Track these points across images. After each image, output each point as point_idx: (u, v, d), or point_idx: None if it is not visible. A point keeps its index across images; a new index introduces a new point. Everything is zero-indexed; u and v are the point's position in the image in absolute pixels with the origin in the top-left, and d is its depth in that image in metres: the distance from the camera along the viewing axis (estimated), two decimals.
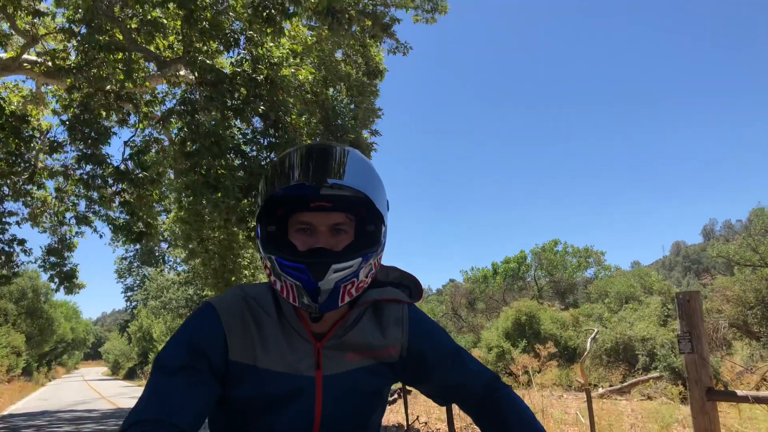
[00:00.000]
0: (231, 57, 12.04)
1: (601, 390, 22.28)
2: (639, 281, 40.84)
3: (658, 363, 24.98)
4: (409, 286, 1.66)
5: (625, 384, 21.76)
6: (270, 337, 1.45)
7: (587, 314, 36.73)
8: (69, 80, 10.90)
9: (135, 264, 55.69)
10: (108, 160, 12.24)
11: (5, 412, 19.64)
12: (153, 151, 13.85)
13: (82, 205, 15.79)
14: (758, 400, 8.50)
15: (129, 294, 57.34)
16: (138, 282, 55.62)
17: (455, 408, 10.95)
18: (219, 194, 10.71)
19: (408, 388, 10.41)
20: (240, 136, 11.83)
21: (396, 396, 17.06)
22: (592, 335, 23.75)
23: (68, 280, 16.37)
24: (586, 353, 23.47)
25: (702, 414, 6.72)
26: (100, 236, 14.48)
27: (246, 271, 18.00)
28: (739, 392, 8.38)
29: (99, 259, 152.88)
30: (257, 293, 1.50)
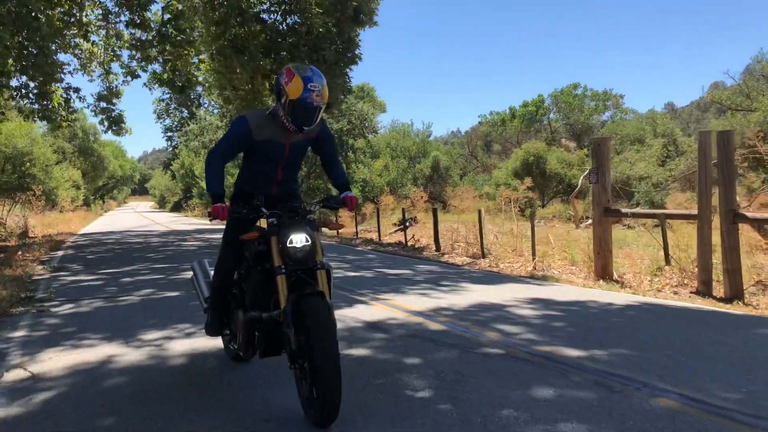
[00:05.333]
0: None
1: (589, 221, 25.00)
2: (651, 124, 42.26)
3: (640, 198, 27.74)
4: (324, 121, 3.90)
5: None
6: (271, 128, 3.46)
7: None
8: None
9: (172, 106, 58.63)
10: (152, 25, 14.55)
11: (81, 232, 23.81)
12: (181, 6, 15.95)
13: (125, 55, 18.24)
14: (634, 215, 11.60)
15: (169, 134, 61.00)
16: (176, 123, 58.93)
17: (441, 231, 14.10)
18: (245, 56, 13.13)
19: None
20: (260, 5, 13.90)
21: (408, 224, 20.42)
22: (585, 173, 26.33)
23: (116, 124, 19.40)
24: (576, 189, 26.43)
25: (599, 225, 9.76)
26: (150, 90, 17.11)
27: None
28: (623, 210, 11.38)
29: (138, 101, 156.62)
30: (264, 112, 3.50)
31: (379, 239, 17.90)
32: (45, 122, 20.12)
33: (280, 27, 13.98)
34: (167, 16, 14.98)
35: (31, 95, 17.02)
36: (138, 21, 14.27)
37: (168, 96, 55.63)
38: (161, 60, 15.53)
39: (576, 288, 7.95)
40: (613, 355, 4.23)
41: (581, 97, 49.23)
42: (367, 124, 29.56)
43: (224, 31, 13.00)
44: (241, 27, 13.19)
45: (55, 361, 4.38)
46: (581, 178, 26.11)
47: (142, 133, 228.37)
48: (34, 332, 5.38)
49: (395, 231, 19.95)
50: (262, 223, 3.50)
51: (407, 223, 20.34)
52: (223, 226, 3.74)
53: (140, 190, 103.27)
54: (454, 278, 8.69)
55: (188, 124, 47.43)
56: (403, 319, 5.64)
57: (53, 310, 6.42)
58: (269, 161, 3.58)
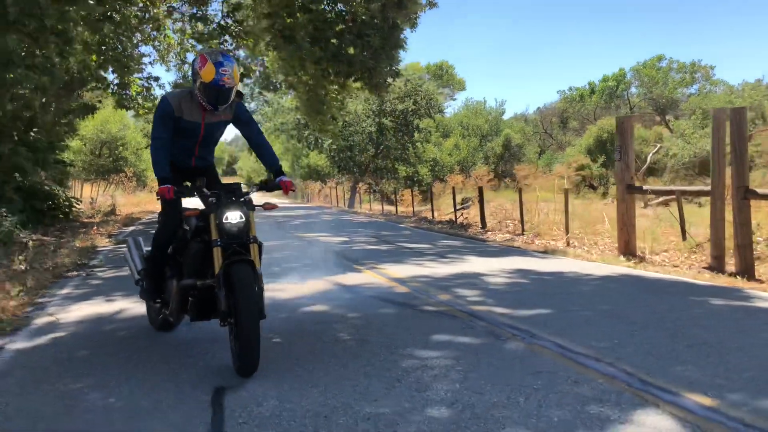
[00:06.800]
0: None
1: (658, 199, 24.50)
2: (739, 97, 40.06)
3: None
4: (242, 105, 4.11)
5: (669, 197, 24.17)
6: (189, 107, 3.89)
7: (674, 131, 37.50)
8: None
9: (256, 90, 61.16)
10: (213, 19, 15.75)
11: None
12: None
13: (198, 46, 19.74)
14: (653, 192, 11.72)
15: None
16: (260, 105, 61.63)
17: (488, 209, 14.53)
18: (292, 45, 14.03)
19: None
20: None
21: (470, 202, 20.90)
22: (654, 150, 25.71)
23: None
24: (644, 166, 25.80)
25: (622, 202, 10.03)
26: None
27: (335, 103, 21.57)
28: (645, 187, 11.43)
29: None
30: (184, 92, 3.95)
31: (433, 217, 18.51)
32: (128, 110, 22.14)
33: (327, 16, 14.76)
34: (226, 9, 16.16)
35: (112, 86, 18.81)
36: (199, 15, 15.49)
37: (251, 81, 57.99)
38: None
39: (575, 261, 8.33)
40: (533, 314, 4.76)
41: (666, 70, 47.12)
42: (432, 104, 29.98)
43: (273, 23, 13.93)
44: (289, 17, 14.07)
45: (78, 311, 5.40)
46: (650, 154, 25.46)
47: None
48: (75, 290, 6.50)
49: (458, 210, 20.51)
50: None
51: (468, 203, 20.82)
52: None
53: (229, 171, 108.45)
54: (464, 252, 9.25)
55: (267, 105, 49.53)
56: (378, 283, 6.35)
57: (99, 274, 7.60)
58: (188, 138, 4.04)
